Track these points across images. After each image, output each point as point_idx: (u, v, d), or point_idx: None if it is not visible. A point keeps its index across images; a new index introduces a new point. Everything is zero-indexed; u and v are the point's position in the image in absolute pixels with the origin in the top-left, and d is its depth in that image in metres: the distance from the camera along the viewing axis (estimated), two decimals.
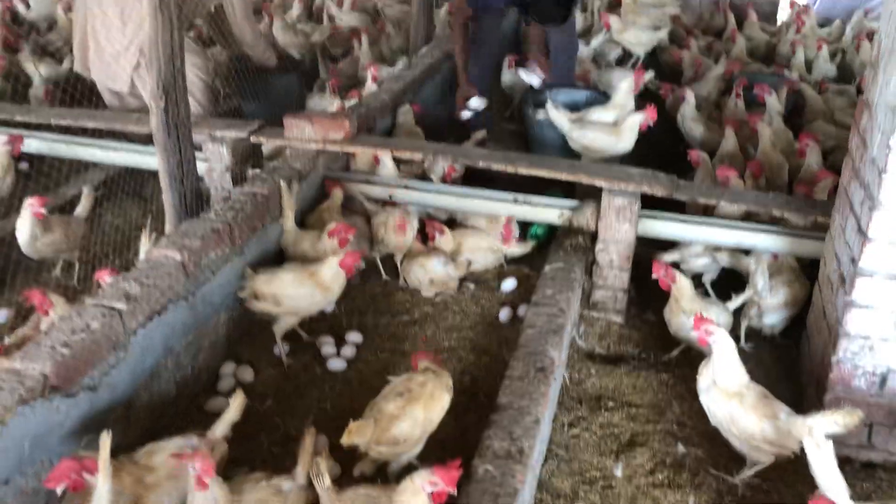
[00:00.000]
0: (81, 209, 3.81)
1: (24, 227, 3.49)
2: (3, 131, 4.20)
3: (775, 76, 5.92)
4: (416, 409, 2.51)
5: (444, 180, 4.01)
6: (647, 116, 4.16)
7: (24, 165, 4.51)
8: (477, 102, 4.86)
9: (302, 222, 3.65)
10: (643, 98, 4.89)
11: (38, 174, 4.34)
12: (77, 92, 4.28)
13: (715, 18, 8.23)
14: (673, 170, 3.73)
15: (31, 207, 3.48)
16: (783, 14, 8.87)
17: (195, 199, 3.40)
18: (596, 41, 6.53)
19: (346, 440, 2.39)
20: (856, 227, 2.70)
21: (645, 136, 4.29)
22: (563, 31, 5.15)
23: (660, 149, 5.39)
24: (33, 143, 4.23)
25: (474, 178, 4.08)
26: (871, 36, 7.33)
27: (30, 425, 2.18)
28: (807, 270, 3.47)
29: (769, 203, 3.41)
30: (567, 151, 4.43)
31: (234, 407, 2.47)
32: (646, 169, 3.61)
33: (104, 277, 2.98)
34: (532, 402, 2.59)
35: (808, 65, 6.50)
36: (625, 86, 4.43)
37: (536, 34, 5.27)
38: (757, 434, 2.61)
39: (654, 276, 3.21)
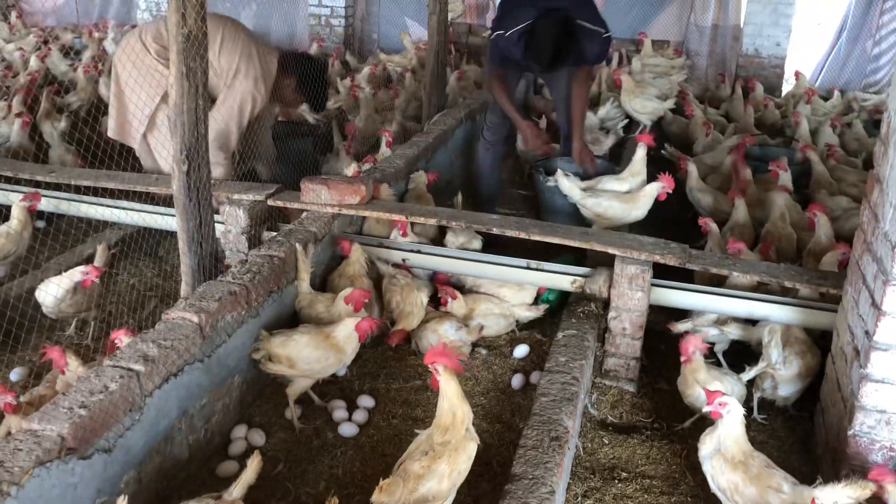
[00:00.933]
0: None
1: (53, 291, 3.52)
2: (22, 189, 4.29)
3: (785, 147, 6.02)
4: (440, 465, 2.50)
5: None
6: (664, 185, 4.22)
7: (40, 224, 4.57)
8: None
9: (321, 284, 3.68)
10: (658, 166, 4.96)
11: (55, 231, 4.39)
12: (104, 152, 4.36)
13: (721, 90, 8.41)
14: (682, 236, 3.77)
15: (83, 275, 3.49)
16: (787, 86, 9.08)
17: (212, 262, 3.44)
18: (603, 110, 6.66)
19: (376, 499, 2.37)
20: (869, 301, 2.72)
21: (657, 203, 4.35)
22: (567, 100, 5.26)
23: (670, 215, 5.47)
24: (51, 202, 4.30)
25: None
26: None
27: (45, 487, 2.17)
28: (817, 341, 3.48)
29: (780, 274, 3.43)
30: (578, 217, 4.48)
31: (251, 469, 2.45)
32: (658, 238, 3.65)
33: (120, 337, 3.00)
34: (547, 472, 2.57)
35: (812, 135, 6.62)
36: (640, 154, 4.51)
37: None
38: None
39: (683, 357, 3.19)
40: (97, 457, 2.36)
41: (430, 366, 2.59)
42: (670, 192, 4.27)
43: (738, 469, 2.63)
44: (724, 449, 2.69)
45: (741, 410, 2.72)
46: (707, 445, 2.76)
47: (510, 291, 3.90)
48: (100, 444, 2.37)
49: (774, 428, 3.38)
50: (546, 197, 4.84)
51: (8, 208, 4.32)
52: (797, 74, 8.49)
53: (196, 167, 3.26)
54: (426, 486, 2.45)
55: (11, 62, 8.03)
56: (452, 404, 2.56)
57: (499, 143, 5.31)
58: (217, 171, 4.40)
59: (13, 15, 10.14)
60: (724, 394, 2.75)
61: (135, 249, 4.42)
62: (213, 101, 4.59)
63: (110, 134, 4.59)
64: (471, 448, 2.57)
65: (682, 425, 3.34)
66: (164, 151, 4.30)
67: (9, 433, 2.78)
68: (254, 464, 2.45)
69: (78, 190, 4.35)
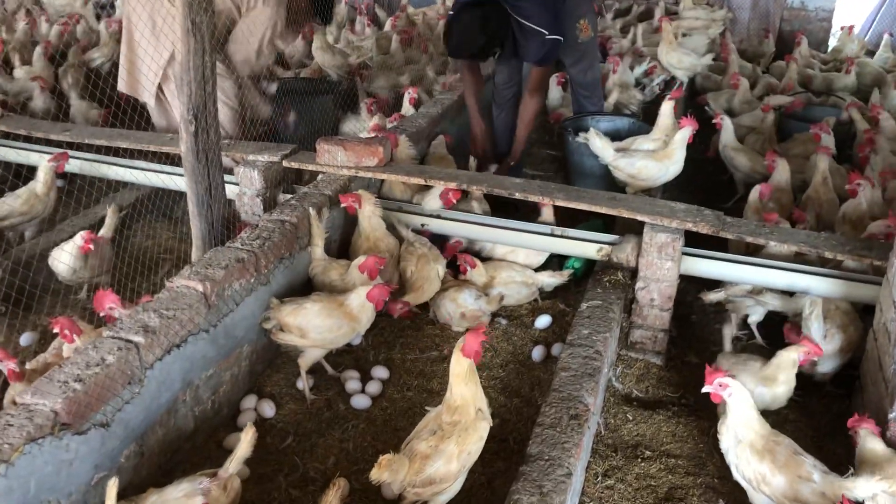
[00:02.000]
0: (106, 229, 3.75)
1: (66, 259, 3.45)
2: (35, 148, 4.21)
3: (829, 107, 5.72)
4: (449, 445, 2.38)
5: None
6: (689, 128, 4.02)
7: (59, 183, 4.49)
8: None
9: (340, 249, 3.55)
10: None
11: (71, 191, 4.31)
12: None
13: (764, 45, 8.03)
14: (715, 200, 3.55)
15: (80, 240, 3.44)
16: (833, 41, 8.66)
17: (223, 226, 3.32)
18: (639, 69, 6.39)
19: (375, 475, 2.26)
20: None
21: (691, 166, 4.11)
22: (581, 69, 5.00)
23: (703, 179, 5.24)
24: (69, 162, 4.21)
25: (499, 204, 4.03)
26: None
27: (36, 464, 2.09)
28: (860, 312, 3.28)
29: (821, 244, 3.21)
30: (609, 180, 4.28)
31: (245, 442, 2.35)
32: (690, 204, 3.45)
33: (110, 306, 2.88)
34: (564, 454, 2.44)
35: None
36: (666, 108, 4.28)
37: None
38: (789, 495, 2.43)
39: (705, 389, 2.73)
40: (93, 432, 2.27)
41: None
42: (693, 131, 4.05)
43: (764, 458, 2.47)
44: (742, 437, 2.53)
45: (747, 393, 2.55)
46: (724, 436, 2.60)
47: (521, 253, 3.76)
48: (96, 419, 2.29)
49: (808, 405, 3.19)
50: (575, 158, 4.63)
51: (24, 168, 4.27)
52: (850, 30, 7.99)
53: (204, 127, 3.12)
54: (433, 466, 2.34)
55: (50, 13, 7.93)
56: (465, 390, 2.44)
57: (509, 103, 5.00)
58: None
59: None
60: (725, 372, 2.58)
61: (150, 211, 4.32)
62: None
63: (121, 88, 4.47)
64: (482, 428, 2.44)
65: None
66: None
67: (14, 402, 2.72)
68: (248, 437, 2.35)
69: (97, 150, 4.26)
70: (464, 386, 2.42)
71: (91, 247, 3.44)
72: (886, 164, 4.46)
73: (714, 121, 4.90)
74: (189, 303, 2.66)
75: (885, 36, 7.69)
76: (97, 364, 2.32)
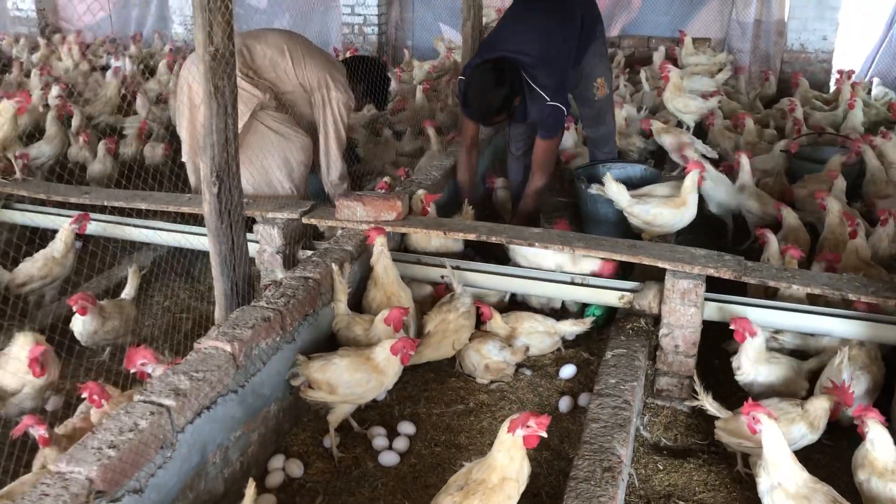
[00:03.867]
0: (130, 290, 3.77)
1: (81, 323, 3.46)
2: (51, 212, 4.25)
3: (838, 146, 5.77)
4: (472, 501, 2.36)
5: None
6: (697, 171, 4.09)
7: (78, 244, 4.52)
8: None
9: (357, 305, 3.56)
10: None
11: (92, 252, 4.34)
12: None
13: (766, 87, 8.12)
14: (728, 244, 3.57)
15: (75, 305, 3.44)
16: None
17: (246, 285, 3.33)
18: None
19: None
20: None
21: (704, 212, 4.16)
22: (596, 125, 5.07)
23: (717, 223, 5.26)
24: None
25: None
26: None
27: None
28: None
29: (843, 286, 3.22)
30: (623, 227, 4.30)
31: (248, 498, 2.38)
32: (711, 250, 3.46)
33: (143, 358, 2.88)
34: None
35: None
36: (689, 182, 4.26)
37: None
38: None
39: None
40: (127, 498, 2.25)
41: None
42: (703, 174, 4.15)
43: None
44: (781, 480, 2.51)
45: (780, 433, 2.55)
46: (763, 479, 2.57)
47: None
48: (130, 486, 2.27)
49: (840, 450, 3.16)
50: (588, 206, 4.66)
51: (37, 231, 4.30)
52: (846, 74, 8.02)
53: (227, 188, 3.15)
54: None
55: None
56: (512, 465, 2.42)
57: (527, 154, 5.03)
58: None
59: (70, 36, 10.18)
60: (762, 408, 2.59)
61: (167, 271, 4.35)
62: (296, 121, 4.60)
63: (185, 158, 4.56)
64: (510, 488, 2.40)
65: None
66: (251, 168, 4.32)
67: (44, 466, 2.71)
68: (250, 492, 2.37)
69: (114, 211, 4.31)
70: (504, 454, 2.41)
71: (86, 307, 3.44)
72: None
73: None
74: (218, 364, 2.66)
75: (875, 80, 7.80)
76: (130, 430, 2.31)
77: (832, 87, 8.53)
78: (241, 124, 4.16)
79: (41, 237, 4.34)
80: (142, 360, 2.84)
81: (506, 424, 2.42)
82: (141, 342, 3.67)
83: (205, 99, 3.00)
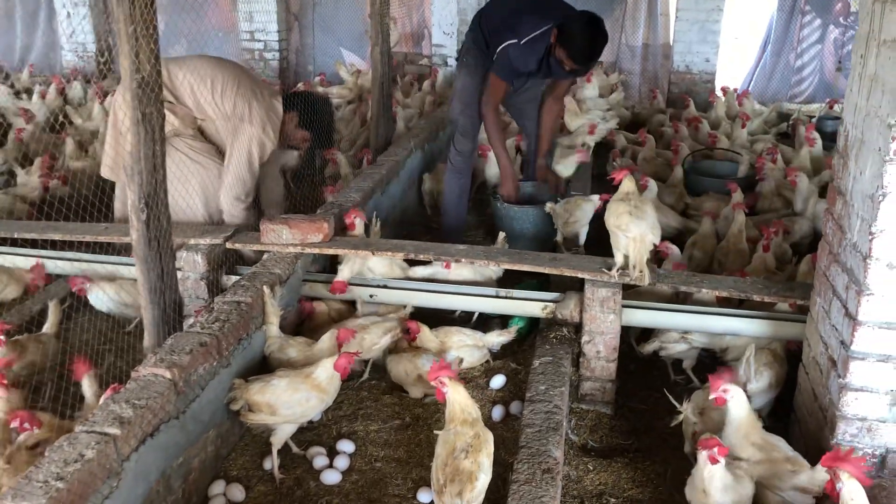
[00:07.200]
0: (50, 325, 3.67)
1: None
2: None
3: (727, 161, 6.20)
4: (482, 456, 2.62)
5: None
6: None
7: None
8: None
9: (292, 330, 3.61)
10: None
11: None
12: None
13: (654, 105, 8.60)
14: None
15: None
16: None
17: (176, 312, 3.31)
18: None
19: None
20: (842, 311, 2.77)
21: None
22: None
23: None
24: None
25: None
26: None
27: None
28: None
29: (748, 288, 3.49)
30: (539, 241, 4.51)
31: None
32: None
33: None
34: None
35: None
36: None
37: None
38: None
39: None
40: None
41: (434, 381, 2.75)
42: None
43: None
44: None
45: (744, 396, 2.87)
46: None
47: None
48: None
49: None
50: (505, 224, 4.84)
51: None
52: (724, 91, 8.65)
53: (156, 214, 3.14)
54: (481, 481, 2.60)
55: None
56: (465, 405, 2.71)
57: (469, 172, 5.22)
58: (236, 221, 4.36)
59: None
60: (729, 381, 2.85)
61: (86, 302, 4.22)
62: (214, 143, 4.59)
63: (104, 173, 4.47)
64: (491, 437, 2.73)
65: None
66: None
67: None
68: None
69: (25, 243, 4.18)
70: (467, 398, 2.72)
71: (2, 338, 3.36)
72: None
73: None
74: (159, 390, 2.65)
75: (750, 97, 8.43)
76: (76, 460, 2.28)
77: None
78: None
79: None
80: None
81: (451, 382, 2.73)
82: (60, 376, 3.58)
83: (132, 126, 2.99)
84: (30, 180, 5.55)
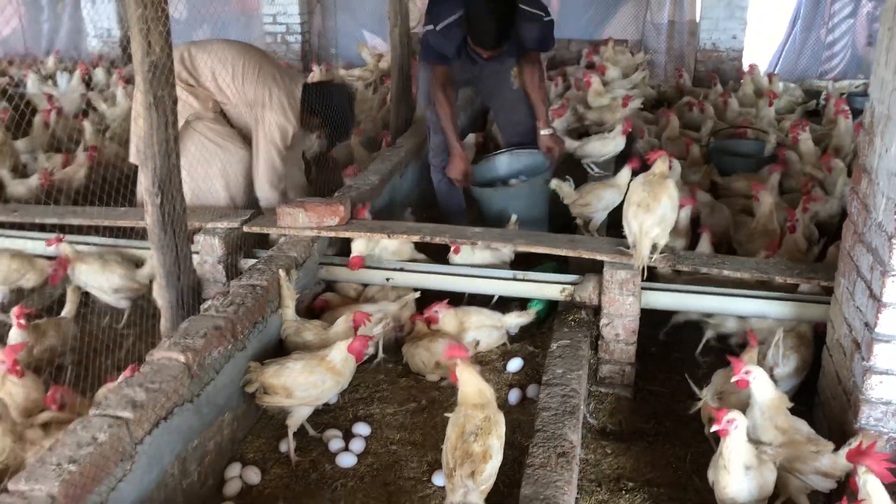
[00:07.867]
0: (69, 308, 3.70)
1: (16, 338, 3.38)
2: None
3: (754, 140, 6.08)
4: (492, 439, 2.59)
5: None
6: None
7: None
8: None
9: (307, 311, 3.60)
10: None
11: None
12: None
13: (682, 83, 8.45)
14: None
15: (14, 318, 3.37)
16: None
17: (192, 295, 3.32)
18: (563, 121, 6.54)
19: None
20: (867, 292, 2.70)
21: None
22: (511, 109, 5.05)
23: None
24: (16, 242, 4.15)
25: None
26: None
27: None
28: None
29: (771, 269, 3.41)
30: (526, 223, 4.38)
31: None
32: None
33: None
34: (558, 492, 2.50)
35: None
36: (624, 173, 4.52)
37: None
38: None
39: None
40: None
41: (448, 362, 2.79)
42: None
43: None
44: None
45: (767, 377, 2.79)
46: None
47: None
48: (91, 500, 2.25)
49: None
50: (484, 206, 4.68)
51: None
52: (752, 68, 8.48)
53: (170, 198, 3.14)
54: (493, 463, 2.58)
55: None
56: (480, 387, 2.68)
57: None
58: (273, 206, 4.28)
59: None
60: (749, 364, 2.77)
61: None
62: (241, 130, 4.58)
63: (132, 159, 4.42)
64: (503, 419, 2.69)
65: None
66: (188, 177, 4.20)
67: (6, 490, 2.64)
68: None
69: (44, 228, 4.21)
70: (479, 381, 2.69)
71: (23, 322, 3.38)
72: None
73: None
74: (173, 374, 2.65)
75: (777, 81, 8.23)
76: (89, 443, 2.29)
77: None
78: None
79: None
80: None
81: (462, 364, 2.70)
82: (79, 361, 3.62)
83: (144, 110, 2.98)
84: (30, 181, 5.53)
